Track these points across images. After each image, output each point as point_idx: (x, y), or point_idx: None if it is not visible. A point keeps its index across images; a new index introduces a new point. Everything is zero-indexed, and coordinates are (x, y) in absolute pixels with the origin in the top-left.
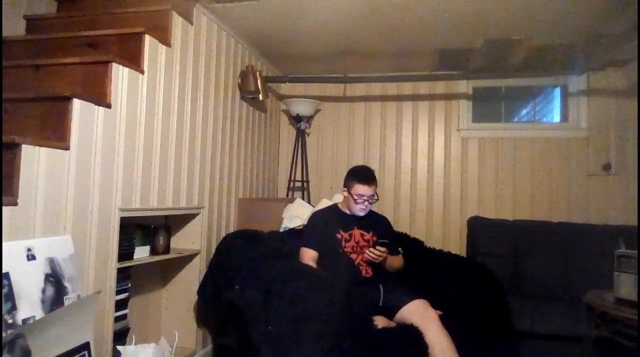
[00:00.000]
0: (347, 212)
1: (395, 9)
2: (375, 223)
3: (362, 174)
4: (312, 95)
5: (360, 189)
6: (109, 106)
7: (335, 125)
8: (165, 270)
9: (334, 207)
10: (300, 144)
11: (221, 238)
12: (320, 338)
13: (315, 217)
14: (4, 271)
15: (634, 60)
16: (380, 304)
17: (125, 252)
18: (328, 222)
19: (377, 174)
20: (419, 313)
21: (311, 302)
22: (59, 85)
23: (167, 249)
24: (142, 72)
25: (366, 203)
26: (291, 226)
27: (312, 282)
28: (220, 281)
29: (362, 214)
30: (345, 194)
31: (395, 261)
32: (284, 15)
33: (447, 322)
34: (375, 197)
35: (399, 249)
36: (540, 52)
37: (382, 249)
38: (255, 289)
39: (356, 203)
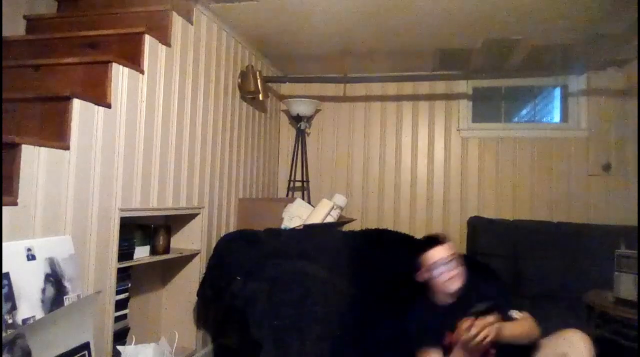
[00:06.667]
0: (445, 302)
1: (395, 9)
2: (480, 296)
3: (427, 241)
4: (312, 95)
5: (431, 255)
6: (109, 106)
7: (335, 125)
8: (165, 270)
9: (428, 305)
10: (300, 144)
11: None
12: (323, 341)
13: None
14: (4, 271)
15: (634, 60)
16: None
17: (125, 252)
18: (429, 328)
19: (377, 174)
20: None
21: (317, 306)
22: (59, 85)
23: (167, 249)
24: (142, 72)
25: (448, 270)
26: (291, 226)
27: (320, 286)
28: (220, 281)
29: (453, 287)
30: (423, 276)
31: (518, 326)
32: (284, 15)
33: None
34: (453, 260)
35: (513, 311)
36: (540, 52)
37: (483, 320)
38: (258, 282)
39: (438, 277)
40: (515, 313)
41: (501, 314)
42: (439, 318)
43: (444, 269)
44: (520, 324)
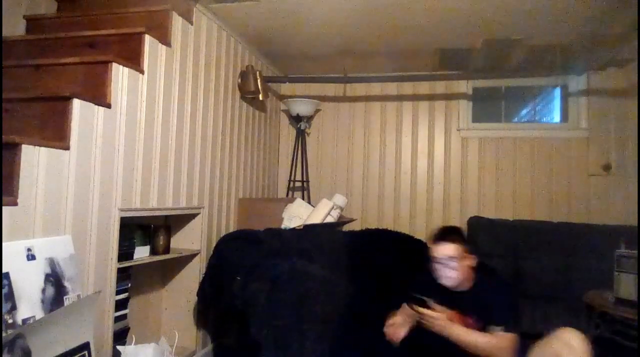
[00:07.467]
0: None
1: (395, 9)
2: (485, 302)
3: (439, 232)
4: (312, 95)
5: (434, 249)
6: (109, 106)
7: (335, 125)
8: (165, 270)
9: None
10: (300, 144)
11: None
12: (323, 341)
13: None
14: (4, 271)
15: (634, 60)
16: None
17: (125, 252)
18: (423, 286)
19: (377, 174)
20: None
21: (317, 306)
22: (59, 85)
23: (167, 249)
24: (142, 72)
25: (443, 267)
26: (291, 226)
27: (319, 286)
28: (220, 281)
29: (445, 283)
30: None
31: (472, 336)
32: (284, 15)
33: None
34: (453, 262)
35: (497, 328)
36: (540, 52)
37: (430, 312)
38: (258, 282)
39: (435, 270)
40: (497, 329)
41: (483, 323)
42: (427, 288)
43: (439, 266)
44: (477, 336)
